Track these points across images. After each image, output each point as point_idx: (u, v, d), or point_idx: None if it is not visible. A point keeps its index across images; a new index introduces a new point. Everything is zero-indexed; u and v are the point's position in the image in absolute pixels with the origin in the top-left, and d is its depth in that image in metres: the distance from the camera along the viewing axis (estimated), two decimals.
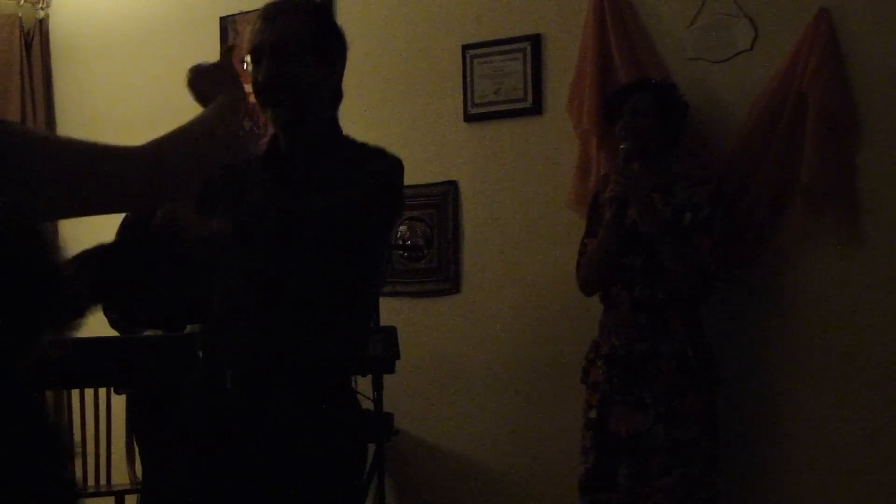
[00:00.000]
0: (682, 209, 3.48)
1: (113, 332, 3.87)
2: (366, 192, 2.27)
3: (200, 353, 2.43)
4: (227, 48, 2.31)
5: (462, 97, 4.35)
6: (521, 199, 4.20)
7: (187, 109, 5.03)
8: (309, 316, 2.29)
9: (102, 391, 4.46)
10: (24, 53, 5.70)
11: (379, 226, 2.43)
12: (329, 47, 2.40)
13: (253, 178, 2.39)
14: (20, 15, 5.74)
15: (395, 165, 2.38)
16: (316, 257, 2.26)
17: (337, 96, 2.46)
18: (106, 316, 3.90)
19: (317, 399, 2.28)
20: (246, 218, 2.31)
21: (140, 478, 4.19)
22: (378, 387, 3.58)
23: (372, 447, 3.21)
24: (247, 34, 2.43)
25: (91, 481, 4.59)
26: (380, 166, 2.35)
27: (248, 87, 2.33)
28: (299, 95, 2.34)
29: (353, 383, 2.42)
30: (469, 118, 4.35)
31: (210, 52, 5.20)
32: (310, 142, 2.38)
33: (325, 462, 2.27)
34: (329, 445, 2.28)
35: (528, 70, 4.19)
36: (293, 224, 2.24)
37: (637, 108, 3.51)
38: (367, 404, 4.10)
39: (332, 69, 2.41)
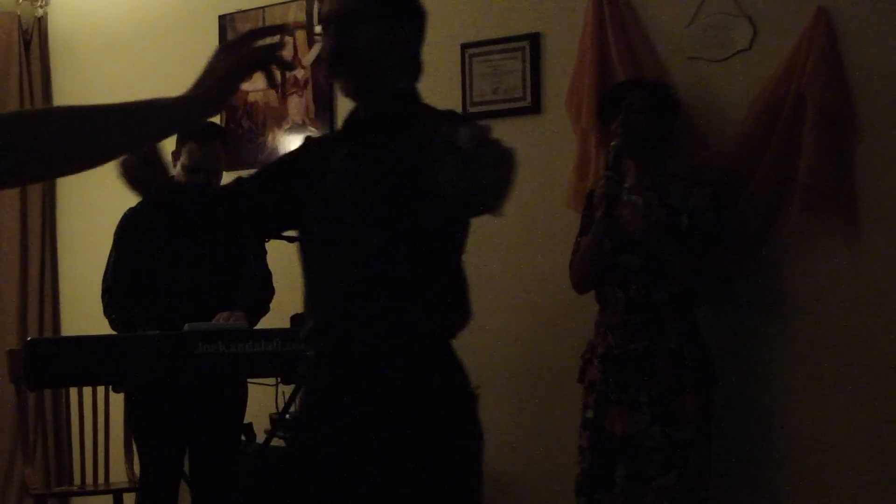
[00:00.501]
0: (679, 211, 3.48)
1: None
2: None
3: (308, 340, 2.36)
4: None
5: (461, 96, 4.35)
6: (518, 198, 4.15)
7: None
8: (409, 290, 2.26)
9: (101, 389, 4.46)
10: (22, 51, 5.71)
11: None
12: (400, 16, 2.32)
13: (334, 152, 2.36)
14: (19, 13, 5.74)
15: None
16: (408, 232, 2.23)
17: (414, 67, 2.39)
18: (106, 316, 3.92)
19: (425, 373, 2.27)
20: (337, 197, 2.29)
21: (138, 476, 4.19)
22: None
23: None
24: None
25: (89, 479, 4.59)
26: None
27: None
28: (367, 65, 2.26)
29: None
30: (468, 117, 4.34)
31: (209, 50, 5.15)
32: (386, 112, 2.31)
33: (446, 438, 2.25)
34: (447, 419, 2.27)
35: (527, 69, 4.19)
36: (382, 202, 2.22)
37: (633, 106, 3.51)
38: None
39: (405, 38, 2.33)
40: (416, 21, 2.37)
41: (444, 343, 2.33)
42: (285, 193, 2.42)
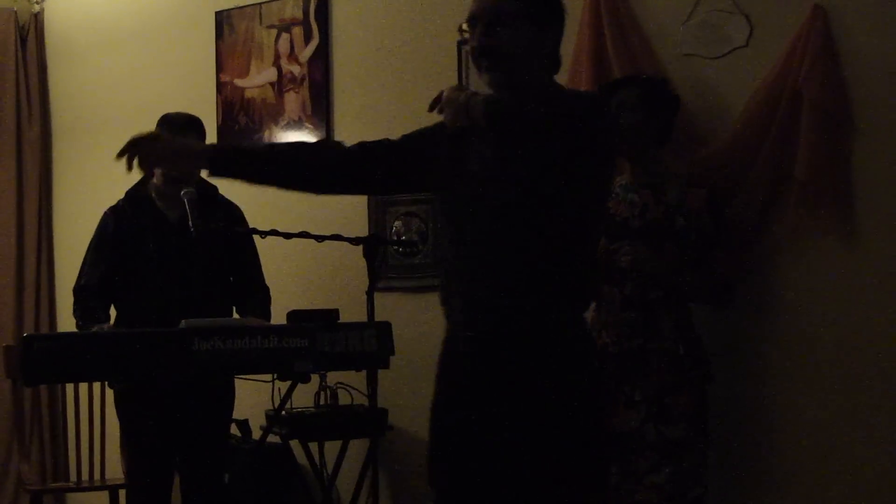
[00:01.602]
0: (674, 211, 3.47)
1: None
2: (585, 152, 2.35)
3: (448, 320, 2.53)
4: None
5: None
6: None
7: (182, 103, 5.05)
8: (557, 275, 2.40)
9: (97, 385, 4.46)
10: (19, 47, 5.71)
11: (601, 183, 2.55)
12: (542, 14, 2.47)
13: (477, 139, 2.48)
14: (16, 9, 5.74)
15: (610, 126, 2.46)
16: (556, 220, 2.38)
17: (553, 62, 2.53)
18: (73, 314, 3.92)
19: (565, 348, 2.42)
20: (485, 185, 2.43)
21: None
22: (372, 382, 3.58)
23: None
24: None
25: (85, 475, 4.59)
26: (598, 125, 2.41)
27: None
28: (510, 61, 2.42)
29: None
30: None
31: (206, 47, 5.18)
32: (530, 103, 2.41)
33: (583, 408, 2.41)
34: (576, 399, 2.41)
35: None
36: (525, 191, 2.37)
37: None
38: (361, 399, 4.10)
39: (546, 36, 2.48)
40: (556, 19, 2.53)
41: (579, 319, 2.50)
42: (418, 163, 2.61)
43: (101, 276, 3.91)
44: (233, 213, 4.03)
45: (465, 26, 2.48)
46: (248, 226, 4.05)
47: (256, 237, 3.95)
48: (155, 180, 3.96)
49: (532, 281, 2.38)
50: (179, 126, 3.88)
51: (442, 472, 2.54)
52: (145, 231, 3.90)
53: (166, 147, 2.60)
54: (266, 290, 4.10)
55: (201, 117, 4.77)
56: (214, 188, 3.97)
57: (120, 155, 2.52)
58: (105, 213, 4.01)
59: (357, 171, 2.65)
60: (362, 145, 2.66)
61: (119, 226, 3.93)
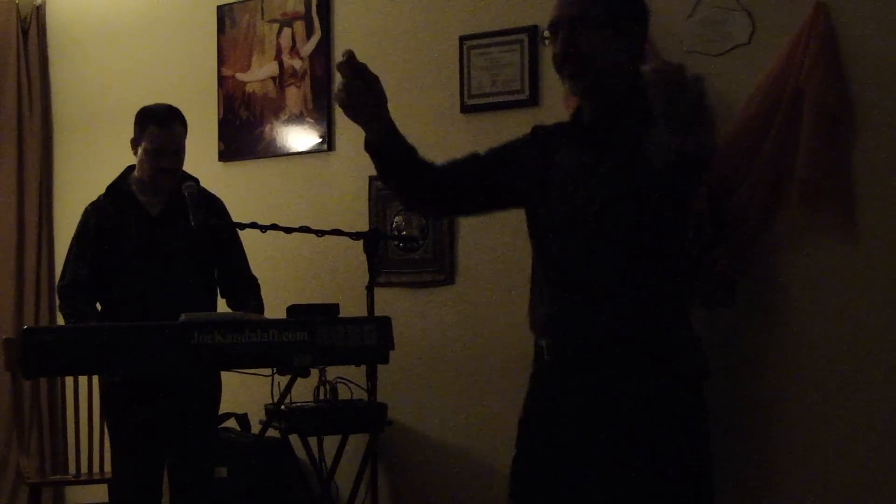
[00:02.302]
0: None
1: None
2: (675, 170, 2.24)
3: (544, 342, 2.45)
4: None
5: (459, 88, 4.35)
6: None
7: (183, 97, 5.05)
8: (649, 283, 2.33)
9: (96, 379, 4.46)
10: (20, 40, 5.70)
11: (688, 198, 2.47)
12: (626, 18, 2.41)
13: (563, 147, 2.46)
14: (17, 2, 5.73)
15: (707, 144, 2.33)
16: (644, 228, 2.31)
17: (638, 64, 2.44)
18: (60, 311, 3.91)
19: (665, 358, 2.34)
20: (572, 194, 2.38)
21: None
22: (372, 377, 3.59)
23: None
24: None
25: (84, 468, 4.60)
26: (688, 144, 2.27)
27: None
28: (594, 67, 2.36)
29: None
30: (465, 109, 4.35)
31: (207, 41, 5.18)
32: (612, 111, 2.38)
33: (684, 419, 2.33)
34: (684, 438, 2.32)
35: (525, 62, 4.19)
36: (618, 202, 2.31)
37: None
38: (360, 394, 4.10)
39: (631, 40, 2.42)
40: (640, 23, 2.46)
41: (682, 324, 2.42)
42: (508, 177, 2.54)
43: (85, 272, 3.90)
44: (214, 206, 4.02)
45: (546, 33, 2.43)
46: (230, 218, 4.05)
47: (257, 232, 3.95)
48: (137, 174, 3.95)
49: (630, 288, 2.32)
50: (165, 117, 3.89)
51: (528, 489, 2.46)
52: (127, 226, 3.89)
53: (373, 97, 2.41)
54: (255, 280, 4.09)
55: (203, 111, 4.78)
56: (196, 180, 3.96)
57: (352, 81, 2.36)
58: (86, 208, 3.99)
59: (449, 191, 2.61)
60: (453, 163, 2.62)
61: (101, 221, 3.92)
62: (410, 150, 2.56)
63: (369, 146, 2.50)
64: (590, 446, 2.32)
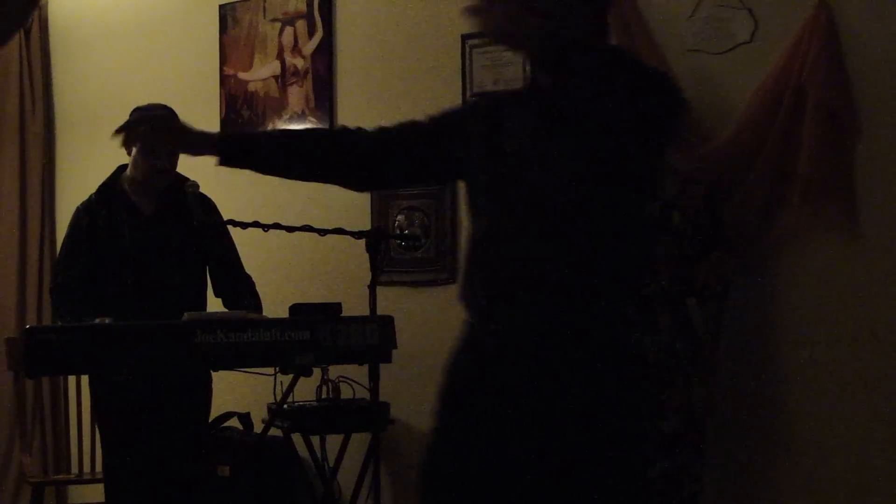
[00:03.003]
0: (672, 207, 3.47)
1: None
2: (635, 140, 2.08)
3: (472, 321, 2.25)
4: None
5: (461, 87, 4.35)
6: None
7: (185, 96, 5.04)
8: (597, 267, 2.14)
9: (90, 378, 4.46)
10: (22, 40, 5.70)
11: (651, 171, 2.26)
12: None
13: (511, 117, 2.24)
14: None
15: (673, 102, 2.14)
16: (597, 209, 2.13)
17: (598, 27, 2.24)
18: (54, 312, 3.90)
19: (602, 349, 2.16)
20: (520, 167, 2.18)
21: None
22: (374, 376, 3.59)
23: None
24: None
25: (87, 467, 4.60)
26: (651, 104, 2.09)
27: None
28: (537, 33, 2.13)
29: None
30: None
31: (210, 40, 5.17)
32: (570, 79, 2.12)
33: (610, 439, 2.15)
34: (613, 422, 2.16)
35: (527, 60, 4.19)
36: (568, 173, 2.11)
37: None
38: (363, 393, 4.10)
39: (589, 5, 2.21)
40: None
41: (622, 316, 2.22)
42: (449, 147, 2.34)
43: (78, 273, 3.89)
44: (207, 205, 4.02)
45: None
46: (221, 217, 4.04)
47: (260, 231, 3.94)
48: (130, 173, 3.95)
49: (572, 272, 2.12)
50: (158, 117, 3.87)
51: (443, 475, 2.26)
52: (120, 225, 3.89)
53: (179, 131, 2.40)
54: (249, 278, 4.08)
55: (205, 110, 4.77)
56: (185, 179, 3.96)
57: (119, 131, 2.43)
58: (77, 208, 3.98)
59: (378, 160, 2.39)
60: (383, 130, 2.40)
61: (93, 221, 3.91)
62: (282, 137, 2.42)
63: (227, 162, 2.38)
64: (514, 435, 2.15)
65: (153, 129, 2.38)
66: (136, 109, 3.95)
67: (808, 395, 3.65)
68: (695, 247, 3.46)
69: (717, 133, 3.76)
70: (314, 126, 4.79)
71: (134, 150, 3.88)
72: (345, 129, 2.43)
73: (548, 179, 2.15)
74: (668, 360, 3.42)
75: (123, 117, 4.52)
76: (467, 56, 4.34)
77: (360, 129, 2.41)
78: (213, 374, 3.95)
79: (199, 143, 2.39)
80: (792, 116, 3.58)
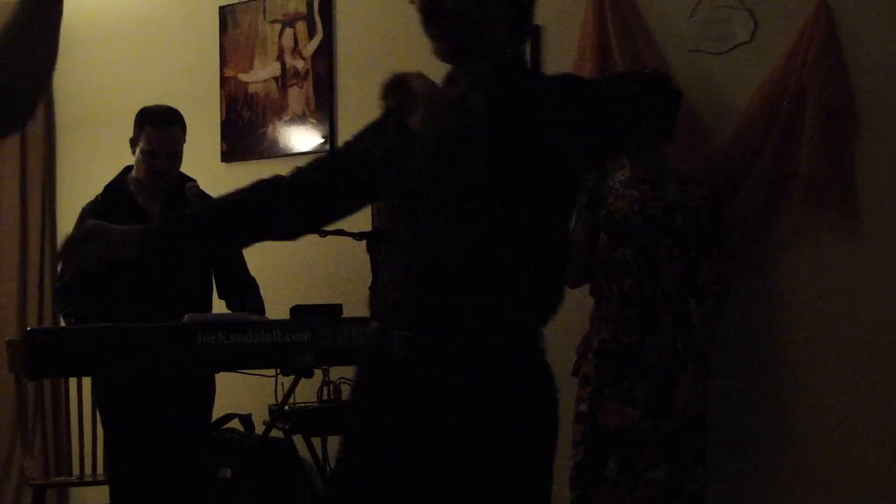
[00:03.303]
0: (673, 208, 3.47)
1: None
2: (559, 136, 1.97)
3: (387, 317, 2.17)
4: None
5: None
6: None
7: (186, 98, 5.04)
8: (512, 270, 2.05)
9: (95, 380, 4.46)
10: None
11: (574, 180, 2.18)
12: None
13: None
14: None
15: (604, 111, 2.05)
16: (514, 210, 2.04)
17: (519, 29, 2.16)
18: (59, 312, 3.90)
19: (513, 361, 2.08)
20: (434, 168, 2.09)
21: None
22: None
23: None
24: None
25: (88, 470, 4.60)
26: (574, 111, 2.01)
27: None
28: (459, 26, 2.09)
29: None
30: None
31: (209, 41, 5.18)
32: (487, 79, 2.07)
33: (515, 443, 2.07)
34: (518, 426, 2.07)
35: (527, 61, 4.19)
36: (489, 179, 2.01)
37: None
38: None
39: None
40: None
41: (535, 330, 2.15)
42: (364, 169, 2.26)
43: (81, 273, 3.89)
44: None
45: None
46: None
47: None
48: (135, 174, 3.95)
49: (484, 281, 2.03)
50: (162, 118, 3.88)
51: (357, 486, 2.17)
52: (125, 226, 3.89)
53: (99, 238, 2.24)
54: (253, 279, 4.09)
55: (205, 112, 4.77)
56: (194, 181, 3.96)
57: (57, 258, 2.35)
58: (83, 209, 3.99)
59: (303, 204, 2.30)
60: (300, 171, 2.31)
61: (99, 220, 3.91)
62: (206, 213, 2.37)
63: (155, 256, 2.33)
64: (424, 449, 2.07)
65: (74, 247, 2.23)
66: (142, 110, 3.95)
67: (808, 394, 3.65)
68: (696, 248, 3.46)
69: (718, 133, 3.76)
70: (310, 131, 4.80)
71: (137, 150, 3.89)
72: (261, 183, 2.32)
73: (457, 183, 2.06)
74: (669, 360, 3.41)
75: (123, 118, 4.54)
76: None
77: (276, 176, 2.32)
78: (215, 375, 3.96)
79: (121, 244, 2.26)
80: (792, 116, 3.58)
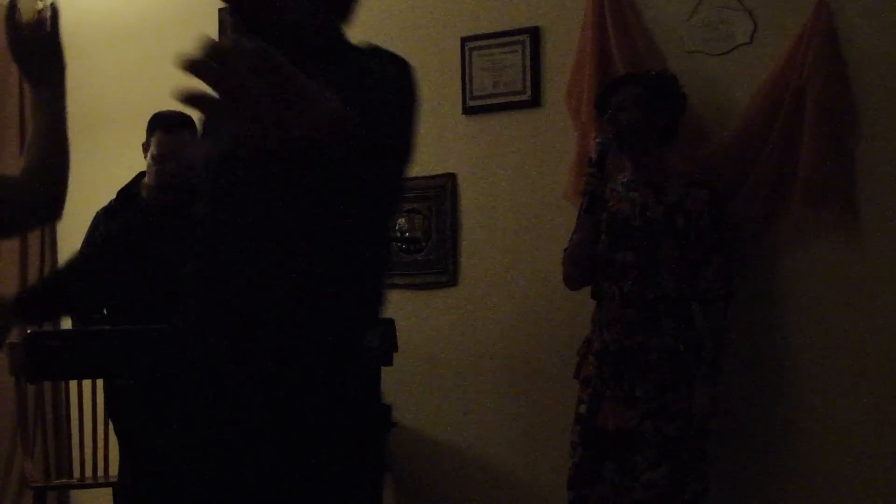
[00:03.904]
0: (675, 211, 3.47)
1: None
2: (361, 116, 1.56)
3: (178, 336, 2.06)
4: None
5: (461, 90, 4.35)
6: (518, 192, 4.20)
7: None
8: (315, 277, 1.83)
9: (100, 382, 4.46)
10: None
11: (396, 169, 1.93)
12: None
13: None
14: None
15: (399, 76, 1.84)
16: (318, 204, 1.76)
17: (336, 6, 1.98)
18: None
19: (328, 384, 1.89)
20: (213, 157, 1.86)
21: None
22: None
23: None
24: None
25: (89, 472, 4.59)
26: (382, 79, 1.82)
27: None
28: (268, 8, 1.83)
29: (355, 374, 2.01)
30: (468, 111, 4.34)
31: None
32: (287, 51, 1.67)
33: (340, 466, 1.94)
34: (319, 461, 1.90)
35: (527, 63, 4.19)
36: (266, 163, 1.71)
37: (621, 104, 3.49)
38: None
39: None
40: None
41: (351, 345, 1.94)
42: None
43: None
44: None
45: None
46: None
47: None
48: (147, 179, 3.95)
49: (288, 284, 1.81)
50: (173, 123, 3.87)
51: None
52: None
53: None
54: None
55: None
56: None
57: None
58: (97, 213, 3.99)
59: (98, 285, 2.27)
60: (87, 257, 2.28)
61: (110, 226, 3.92)
62: (57, 282, 2.36)
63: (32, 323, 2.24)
64: (224, 464, 1.94)
65: None
66: (155, 115, 3.94)
67: (808, 394, 3.65)
68: (697, 250, 3.46)
69: (718, 134, 3.76)
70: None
71: (148, 156, 3.88)
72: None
73: (256, 174, 1.79)
74: (670, 362, 3.41)
75: (123, 120, 4.54)
76: (467, 58, 4.34)
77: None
78: None
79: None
80: (792, 118, 3.59)
